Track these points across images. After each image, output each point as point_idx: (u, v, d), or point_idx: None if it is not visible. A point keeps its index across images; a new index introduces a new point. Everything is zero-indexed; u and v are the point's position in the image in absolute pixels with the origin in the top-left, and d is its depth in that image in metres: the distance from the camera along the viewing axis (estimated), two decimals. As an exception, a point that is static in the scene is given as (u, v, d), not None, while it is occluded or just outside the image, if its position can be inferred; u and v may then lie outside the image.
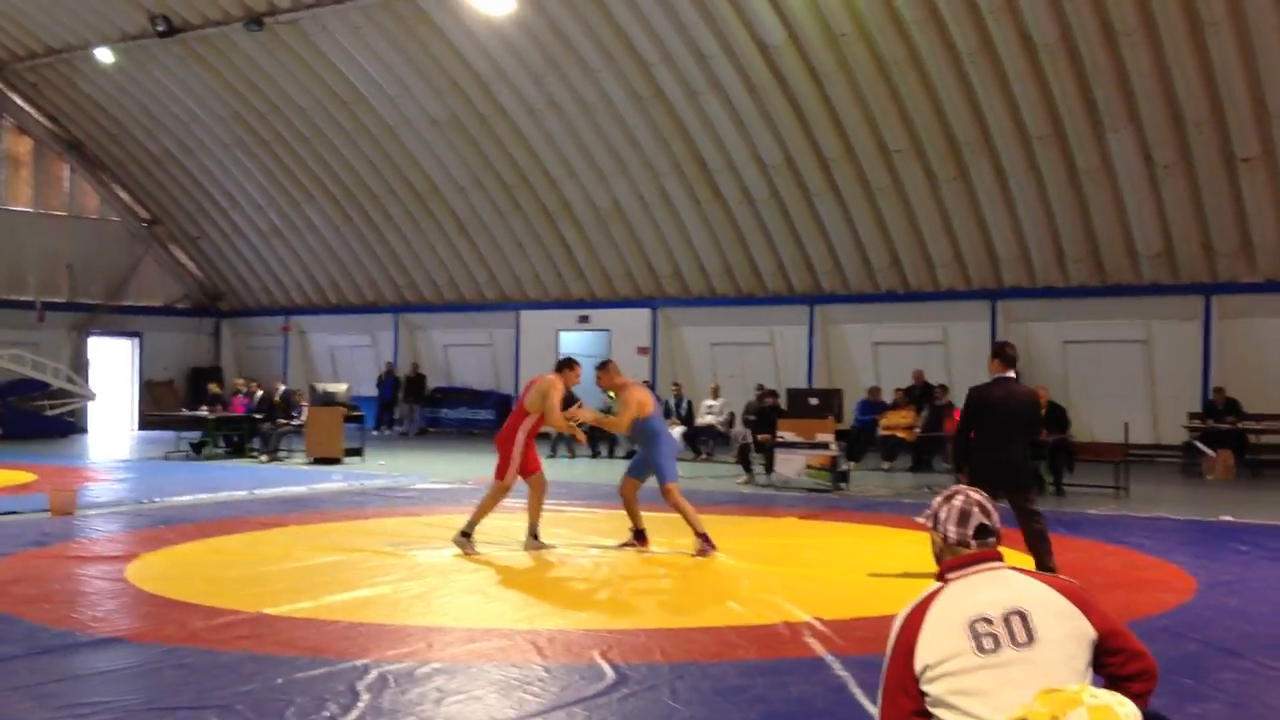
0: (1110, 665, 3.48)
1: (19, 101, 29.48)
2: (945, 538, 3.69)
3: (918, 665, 3.45)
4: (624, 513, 10.74)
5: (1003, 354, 9.18)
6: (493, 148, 25.29)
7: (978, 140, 20.48)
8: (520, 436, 10.54)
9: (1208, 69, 18.16)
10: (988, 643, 3.39)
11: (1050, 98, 19.44)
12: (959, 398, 19.18)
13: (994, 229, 21.64)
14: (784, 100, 21.41)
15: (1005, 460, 8.76)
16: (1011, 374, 9.10)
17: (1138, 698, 3.35)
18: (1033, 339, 22.34)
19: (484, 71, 23.71)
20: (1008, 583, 3.56)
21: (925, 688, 3.43)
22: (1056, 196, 20.61)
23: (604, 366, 10.97)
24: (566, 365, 10.80)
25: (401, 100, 25.08)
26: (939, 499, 3.79)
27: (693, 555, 10.18)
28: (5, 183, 29.81)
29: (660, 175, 23.96)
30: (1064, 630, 3.43)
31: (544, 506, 10.82)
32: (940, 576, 3.68)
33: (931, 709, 3.43)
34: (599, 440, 21.26)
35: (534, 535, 10.58)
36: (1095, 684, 3.39)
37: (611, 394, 11.18)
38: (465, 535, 10.30)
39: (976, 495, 3.75)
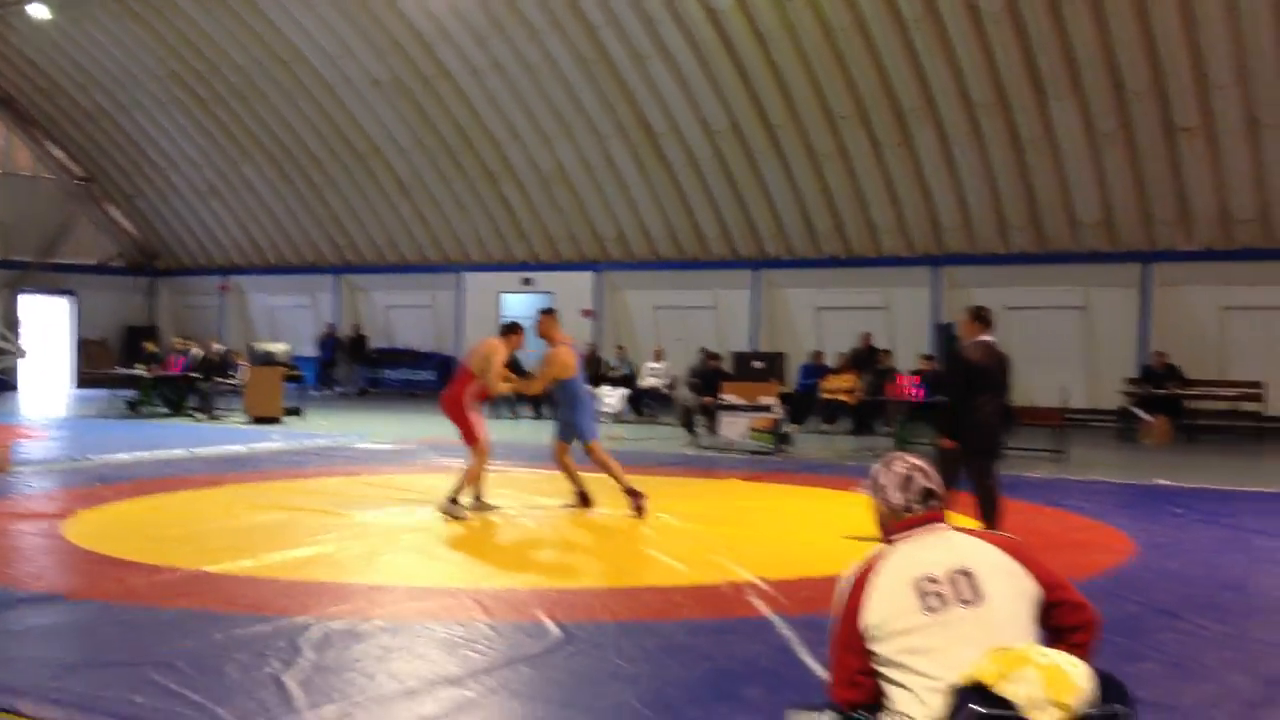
0: (1053, 618, 3.52)
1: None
2: (889, 503, 3.71)
3: (864, 625, 3.47)
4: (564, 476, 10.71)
5: (981, 316, 9.09)
6: (435, 108, 25.03)
7: (922, 107, 20.56)
8: (467, 400, 10.43)
9: (1149, 39, 18.34)
10: (934, 601, 3.42)
11: (994, 66, 19.55)
12: (901, 363, 19.49)
13: (937, 196, 21.77)
14: (730, 64, 21.36)
15: (985, 422, 8.78)
16: (990, 336, 9.04)
17: (1078, 648, 3.40)
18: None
19: (427, 31, 23.43)
20: (952, 542, 3.59)
21: (873, 647, 3.45)
22: (999, 164, 20.77)
23: (549, 313, 10.90)
24: (511, 330, 10.73)
25: (342, 59, 24.73)
26: (879, 466, 3.81)
27: (629, 515, 10.15)
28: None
29: (605, 138, 23.84)
30: (1009, 587, 3.46)
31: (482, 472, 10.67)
32: (885, 539, 3.70)
33: (881, 668, 3.45)
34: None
35: (453, 500, 10.24)
36: (1040, 638, 3.44)
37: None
38: (452, 501, 10.04)
39: (916, 460, 3.78)
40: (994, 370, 8.89)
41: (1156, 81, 18.75)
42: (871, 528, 3.79)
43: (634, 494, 10.26)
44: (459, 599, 6.98)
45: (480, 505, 10.44)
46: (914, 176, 21.71)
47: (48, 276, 30.72)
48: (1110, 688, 3.23)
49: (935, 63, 19.79)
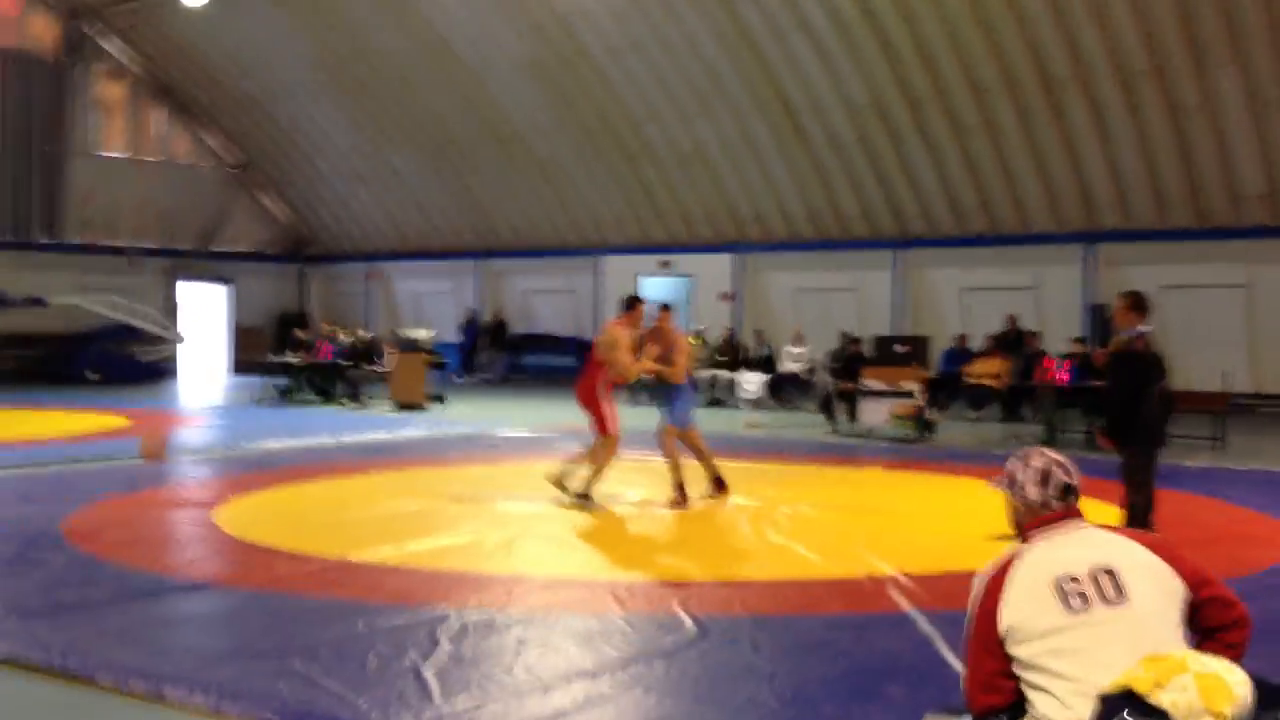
0: (1203, 618, 3.37)
1: (111, 48, 29.84)
2: (1025, 500, 3.59)
3: (1002, 627, 3.36)
4: (696, 464, 10.51)
5: (1141, 304, 8.51)
6: (575, 90, 25.13)
7: (1073, 76, 19.90)
8: (600, 390, 10.32)
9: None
10: (1076, 601, 3.29)
11: (1150, 30, 18.82)
12: (1051, 346, 18.90)
13: (1090, 169, 21.07)
14: (872, 37, 20.97)
15: (1151, 417, 8.30)
16: (1150, 326, 8.53)
17: (1231, 647, 3.27)
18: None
19: (567, 13, 23.50)
20: (1093, 540, 3.46)
21: (1013, 650, 3.33)
22: (1156, 135, 20.00)
23: (667, 309, 10.80)
24: (629, 305, 10.49)
25: (485, 44, 25.00)
26: (1014, 461, 3.69)
27: (663, 504, 10.04)
28: (100, 128, 30.24)
29: (744, 116, 23.65)
30: (1155, 586, 3.32)
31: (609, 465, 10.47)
32: (1022, 537, 3.58)
33: (1020, 671, 3.33)
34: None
35: (584, 494, 10.19)
36: (1189, 639, 3.28)
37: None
38: (584, 496, 10.06)
39: (1054, 454, 3.65)
40: (1157, 362, 8.42)
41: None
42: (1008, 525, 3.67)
43: (682, 491, 10.10)
44: (594, 590, 6.98)
45: (584, 498, 10.14)
46: (1065, 149, 21.04)
47: (205, 264, 31.78)
48: (1269, 694, 3.06)
49: (1087, 28, 19.12)
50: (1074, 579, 3.31)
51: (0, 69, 27.59)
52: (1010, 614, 3.33)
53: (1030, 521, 3.56)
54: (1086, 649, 3.21)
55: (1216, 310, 20.93)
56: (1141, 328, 8.44)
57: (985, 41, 20.16)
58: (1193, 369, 19.87)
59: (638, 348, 10.43)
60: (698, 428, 10.57)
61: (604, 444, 10.24)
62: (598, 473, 10.20)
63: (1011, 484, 3.62)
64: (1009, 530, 3.69)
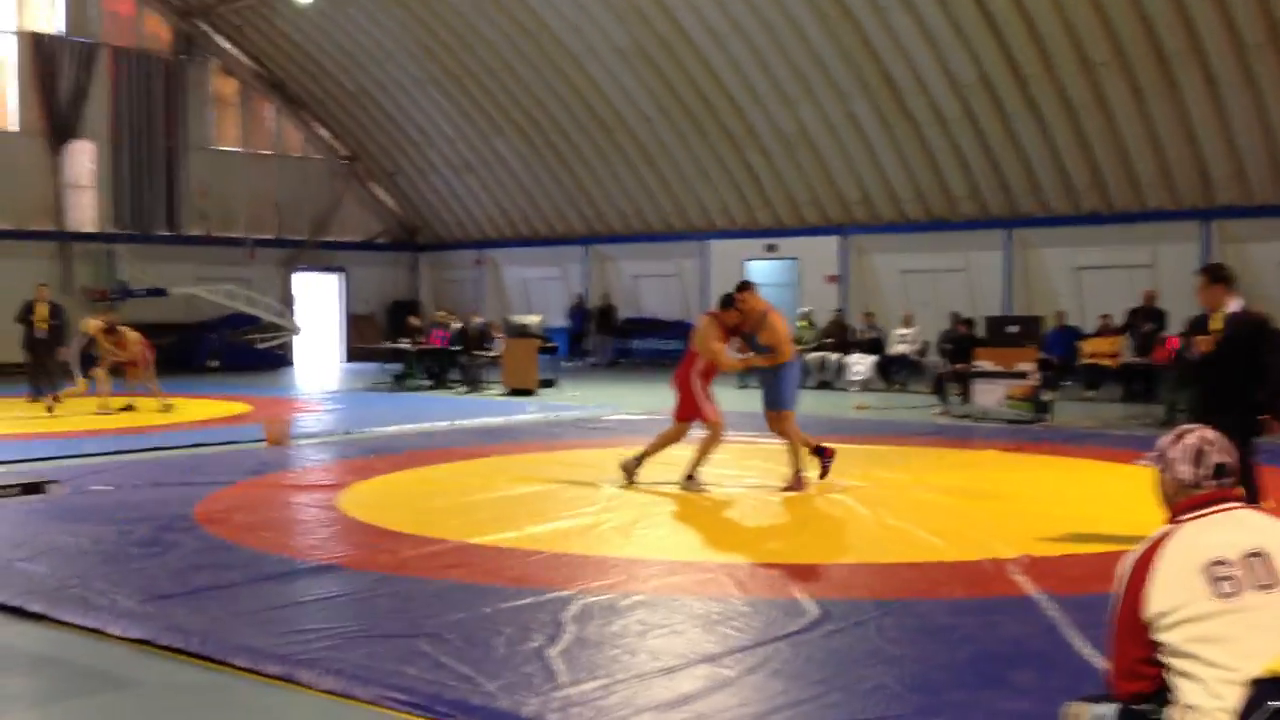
0: None
1: (224, 44, 30.55)
2: (1178, 479, 3.50)
3: (1149, 612, 3.29)
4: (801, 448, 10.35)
5: (1226, 278, 7.95)
6: (676, 74, 25.10)
7: (1187, 50, 19.34)
8: (694, 379, 10.28)
9: None
10: (1227, 586, 3.22)
11: (1266, 2, 18.20)
12: (1169, 325, 18.43)
13: (1205, 144, 20.47)
14: (977, 12, 20.60)
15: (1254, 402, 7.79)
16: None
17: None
18: (1249, 261, 21.15)
19: (667, -4, 23.50)
20: (1245, 523, 3.37)
21: (1160, 636, 3.27)
22: (1274, 108, 19.35)
23: (747, 288, 10.31)
24: (725, 303, 10.30)
25: (586, 29, 25.08)
26: (1168, 438, 3.59)
27: (780, 489, 9.93)
28: (215, 123, 31.02)
29: (847, 97, 23.41)
30: (1309, 571, 3.23)
31: (706, 453, 10.37)
32: (1172, 518, 3.50)
33: (1167, 658, 3.27)
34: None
35: (690, 476, 10.21)
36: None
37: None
38: (690, 478, 10.12)
39: (1209, 433, 3.55)
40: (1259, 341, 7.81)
41: None
42: (1139, 498, 3.59)
43: (799, 478, 9.97)
44: (715, 574, 7.00)
45: (692, 482, 10.17)
46: (1179, 125, 20.47)
47: (319, 254, 32.41)
48: None
49: (1200, 1, 18.56)
50: (1225, 563, 3.23)
51: (118, 68, 28.38)
52: (1157, 599, 3.27)
53: (1181, 501, 3.48)
54: (1237, 636, 3.14)
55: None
56: (1235, 304, 7.90)
57: (1094, 15, 19.68)
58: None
59: (728, 338, 10.35)
60: (793, 412, 10.24)
61: (709, 430, 10.23)
62: (701, 458, 10.20)
63: (1163, 461, 3.54)
64: (1139, 503, 3.62)
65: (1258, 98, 19.39)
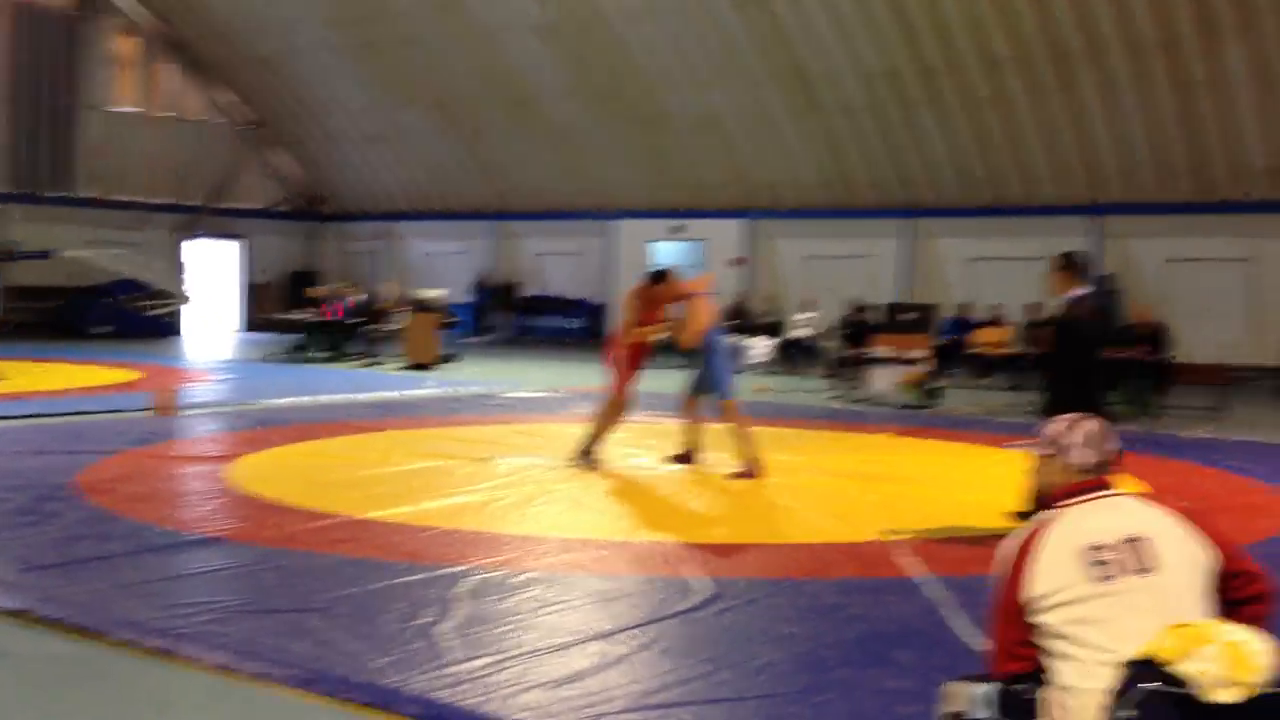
0: (1230, 590, 3.37)
1: (125, 3, 29.68)
2: (1066, 465, 3.57)
3: (1029, 595, 3.35)
4: (720, 427, 10.40)
5: (1074, 265, 7.89)
6: (591, 54, 25.01)
7: (1084, 49, 19.79)
8: (618, 352, 10.30)
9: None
10: (1104, 570, 3.29)
11: (1161, 5, 18.69)
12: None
13: (1097, 142, 20.98)
14: (887, 6, 20.84)
15: (1097, 389, 7.79)
16: (1087, 288, 7.93)
17: (1257, 620, 3.26)
18: (1133, 256, 21.78)
19: (582, -25, 23.40)
20: (1124, 509, 3.45)
21: (1039, 618, 3.34)
22: (1164, 109, 19.89)
23: (662, 278, 10.25)
24: (654, 278, 10.30)
25: (501, 5, 24.88)
26: (1060, 425, 3.66)
27: (725, 476, 9.78)
28: (111, 84, 30.16)
29: (758, 84, 23.54)
30: (1183, 556, 3.32)
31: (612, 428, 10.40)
32: (1053, 504, 3.57)
33: (1046, 639, 3.33)
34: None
35: (586, 452, 10.21)
36: (1214, 609, 3.28)
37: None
38: (585, 455, 10.11)
39: (1097, 423, 3.63)
40: (1101, 329, 8.02)
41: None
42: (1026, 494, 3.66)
43: (752, 465, 9.80)
44: (610, 551, 7.01)
45: (588, 459, 10.16)
46: (1074, 122, 20.94)
47: (217, 221, 31.75)
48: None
49: (1099, 2, 18.97)
50: (1103, 547, 3.30)
51: (12, 22, 27.48)
52: (1037, 582, 3.33)
53: (1064, 488, 3.55)
54: (1113, 618, 3.21)
55: (1219, 283, 20.94)
56: (1079, 291, 7.87)
57: (998, 14, 20.03)
58: (1195, 341, 19.90)
59: (645, 312, 10.32)
60: (735, 400, 10.11)
61: (609, 404, 10.24)
62: (601, 433, 10.21)
63: (1055, 447, 3.61)
64: (1021, 501, 3.69)
65: (1149, 99, 19.91)
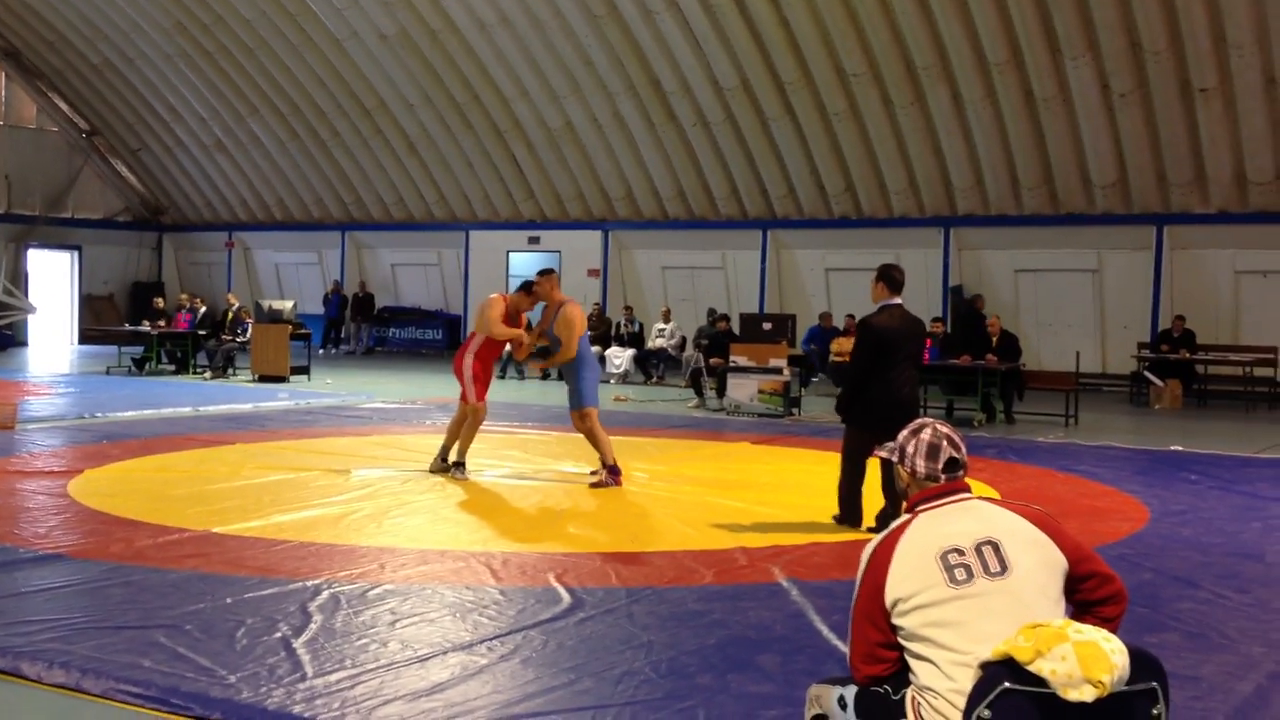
0: (1081, 591, 3.44)
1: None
2: (913, 472, 3.62)
3: (888, 598, 3.39)
4: (577, 436, 10.43)
5: (890, 278, 8.17)
6: (443, 64, 24.79)
7: (936, 66, 20.31)
8: (468, 359, 10.19)
9: (1168, -2, 18.09)
10: (960, 573, 3.33)
11: (1009, 24, 19.30)
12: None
13: (949, 156, 21.56)
14: (741, 22, 21.10)
15: (897, 396, 7.95)
16: (898, 300, 8.18)
17: (1108, 621, 3.33)
18: (985, 266, 22.44)
19: (434, -16, 23.18)
20: (978, 513, 3.51)
21: (897, 621, 3.37)
22: (1013, 124, 20.54)
23: (548, 274, 10.22)
24: (522, 288, 10.32)
25: (349, 13, 24.47)
26: (905, 433, 3.71)
27: (590, 484, 9.78)
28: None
29: (614, 96, 23.61)
30: (1036, 558, 3.38)
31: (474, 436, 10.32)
32: (909, 509, 3.61)
33: (904, 641, 3.37)
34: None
35: (443, 459, 10.22)
36: (1067, 611, 3.36)
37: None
38: (455, 464, 9.99)
39: (944, 428, 3.69)
40: (902, 338, 8.05)
41: (1174, 41, 18.49)
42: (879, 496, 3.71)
43: (614, 471, 9.79)
44: (469, 563, 6.92)
45: (450, 466, 10.11)
46: (926, 136, 21.48)
47: (53, 231, 30.61)
48: (1143, 663, 3.15)
49: (949, 20, 19.53)
50: (959, 551, 3.35)
51: None
52: (896, 585, 3.37)
53: (917, 494, 3.60)
54: (968, 620, 3.26)
55: (1068, 293, 21.68)
56: (890, 300, 8.15)
57: (851, 29, 20.45)
58: (1045, 349, 20.61)
59: (513, 318, 10.27)
60: (595, 409, 9.98)
61: (470, 413, 10.15)
62: (466, 441, 10.13)
63: (901, 455, 3.66)
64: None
65: (998, 114, 20.53)
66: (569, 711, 4.51)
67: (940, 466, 3.58)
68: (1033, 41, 19.27)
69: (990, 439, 13.45)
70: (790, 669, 5.04)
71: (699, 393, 17.37)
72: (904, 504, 3.69)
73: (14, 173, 29.78)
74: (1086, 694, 2.95)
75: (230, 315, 21.42)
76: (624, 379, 21.23)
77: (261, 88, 27.34)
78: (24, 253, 29.93)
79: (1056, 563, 3.39)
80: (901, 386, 8.01)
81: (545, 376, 20.12)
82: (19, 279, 29.09)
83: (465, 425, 10.16)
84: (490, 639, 5.41)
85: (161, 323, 21.99)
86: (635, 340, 22.32)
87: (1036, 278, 21.91)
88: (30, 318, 28.21)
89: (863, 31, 20.41)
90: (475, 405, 10.15)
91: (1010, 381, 15.98)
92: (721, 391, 16.73)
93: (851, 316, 20.77)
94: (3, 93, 30.08)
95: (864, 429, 7.95)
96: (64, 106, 30.87)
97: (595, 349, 21.82)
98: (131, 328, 23.03)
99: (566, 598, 6.11)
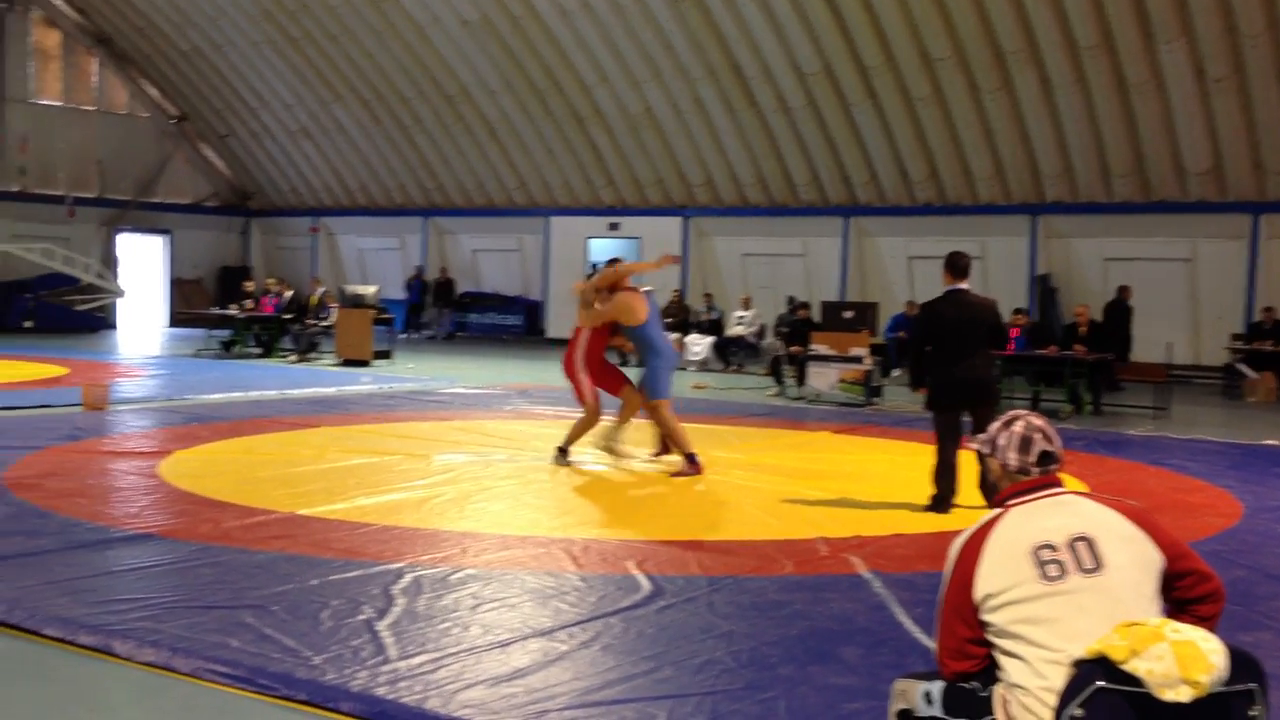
0: (1179, 589, 3.36)
1: (47, -6, 29.17)
2: (1005, 465, 3.56)
3: (978, 594, 3.33)
4: (652, 422, 10.40)
5: (954, 264, 8.58)
6: (524, 50, 24.87)
7: (1023, 49, 19.98)
8: (577, 356, 10.14)
9: (1266, -20, 17.61)
10: (1052, 569, 3.27)
11: (1100, 6, 18.92)
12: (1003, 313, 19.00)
13: (1037, 142, 21.21)
14: (824, 5, 20.92)
15: (965, 376, 8.32)
16: (965, 285, 8.51)
17: (1205, 620, 3.25)
18: (1074, 255, 22.06)
19: (517, -30, 23.26)
20: (1071, 508, 3.44)
21: (987, 617, 3.32)
22: (1104, 110, 20.13)
23: (612, 263, 10.33)
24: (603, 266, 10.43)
25: (431, 0, 24.64)
26: (997, 424, 3.65)
27: (671, 475, 9.72)
28: (35, 76, 29.59)
29: (694, 81, 23.53)
30: (1132, 555, 3.31)
31: (621, 422, 10.27)
32: (1000, 503, 3.55)
33: (994, 638, 3.32)
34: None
35: (563, 450, 10.17)
36: (1163, 609, 3.28)
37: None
38: (561, 451, 10.04)
39: (1038, 420, 3.62)
40: (962, 321, 8.36)
41: (1272, 25, 18.02)
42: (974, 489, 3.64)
43: (692, 459, 9.76)
44: (549, 549, 6.94)
45: (564, 457, 10.14)
46: (1013, 122, 21.15)
47: (144, 215, 31.24)
48: (1242, 664, 3.07)
49: (1038, 2, 19.18)
50: (1051, 547, 3.29)
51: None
52: (986, 581, 3.31)
53: (1008, 487, 3.53)
54: (1061, 617, 3.20)
55: (1160, 283, 21.21)
56: (955, 285, 8.52)
57: (937, 12, 20.17)
58: (1136, 340, 20.17)
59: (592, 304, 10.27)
60: (667, 400, 9.98)
61: (583, 414, 10.14)
62: (574, 438, 10.11)
63: (993, 448, 3.60)
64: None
65: (1088, 100, 20.14)
66: (649, 700, 4.49)
67: (1033, 460, 3.52)
68: (1124, 25, 18.87)
69: (1078, 431, 13.21)
70: (873, 662, 4.98)
71: (779, 380, 17.28)
72: (994, 497, 3.63)
73: (106, 158, 30.43)
74: (1183, 694, 2.88)
75: (315, 300, 21.71)
76: (703, 366, 21.18)
77: (345, 74, 27.65)
78: (115, 237, 30.60)
79: (1152, 560, 3.31)
80: (970, 368, 8.33)
81: (624, 363, 20.09)
82: (110, 262, 29.77)
83: (580, 419, 10.15)
84: (571, 625, 5.41)
85: (249, 305, 22.34)
86: (715, 327, 22.26)
87: (1128, 267, 21.47)
88: (120, 301, 28.89)
89: (948, 14, 20.13)
90: (589, 404, 10.11)
91: (1099, 373, 15.69)
92: (801, 380, 16.62)
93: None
94: (95, 79, 30.73)
95: (940, 410, 8.43)
96: (154, 93, 31.46)
97: (674, 336, 21.89)
98: (219, 311, 23.45)
99: (647, 585, 6.10)
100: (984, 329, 8.49)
